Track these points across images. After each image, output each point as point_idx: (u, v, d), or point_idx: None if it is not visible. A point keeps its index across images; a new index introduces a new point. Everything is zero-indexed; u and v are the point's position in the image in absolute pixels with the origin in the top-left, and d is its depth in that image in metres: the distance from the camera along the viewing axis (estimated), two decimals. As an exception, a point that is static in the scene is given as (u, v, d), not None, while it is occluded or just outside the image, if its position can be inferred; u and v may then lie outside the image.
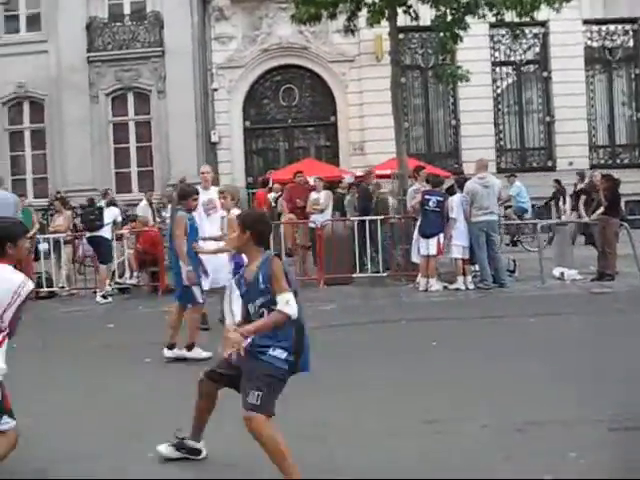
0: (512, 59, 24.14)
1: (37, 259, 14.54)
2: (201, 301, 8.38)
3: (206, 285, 9.87)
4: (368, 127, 22.97)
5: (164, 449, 5.07)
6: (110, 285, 14.01)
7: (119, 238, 14.60)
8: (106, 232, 13.76)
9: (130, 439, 5.47)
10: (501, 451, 4.92)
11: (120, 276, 14.58)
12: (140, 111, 24.55)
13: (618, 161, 24.18)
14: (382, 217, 13.93)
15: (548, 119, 24.00)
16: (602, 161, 23.88)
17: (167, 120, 23.72)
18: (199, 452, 5.07)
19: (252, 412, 4.31)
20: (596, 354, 7.52)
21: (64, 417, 6.12)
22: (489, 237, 12.60)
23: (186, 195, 8.38)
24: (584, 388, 6.25)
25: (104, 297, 13.19)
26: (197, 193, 8.60)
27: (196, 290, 8.24)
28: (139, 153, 24.44)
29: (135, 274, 14.40)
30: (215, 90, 24.01)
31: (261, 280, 4.49)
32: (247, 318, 4.62)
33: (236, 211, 8.24)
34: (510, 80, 24.48)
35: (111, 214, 14.21)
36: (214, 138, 23.87)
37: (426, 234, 12.56)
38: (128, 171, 24.41)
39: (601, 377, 6.58)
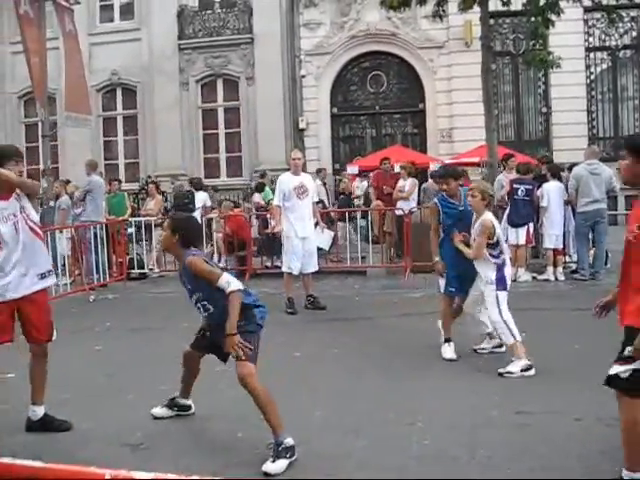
0: (607, 44, 23.34)
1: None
2: (442, 291, 7.54)
3: (295, 270, 10.07)
4: (456, 114, 22.68)
5: (157, 411, 5.68)
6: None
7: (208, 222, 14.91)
8: (196, 216, 13.99)
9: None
10: (596, 444, 4.81)
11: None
12: (229, 97, 24.92)
13: None
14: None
15: (645, 106, 23.22)
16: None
17: (255, 106, 24.00)
18: (189, 408, 5.72)
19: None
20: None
21: (160, 394, 6.27)
22: (597, 223, 12.17)
23: (446, 175, 7.45)
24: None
25: (193, 280, 13.42)
26: (461, 176, 7.59)
27: (440, 281, 7.55)
28: (228, 139, 24.82)
29: (223, 258, 14.65)
30: (303, 77, 24.12)
31: (187, 282, 5.03)
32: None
33: (488, 214, 6.90)
34: (605, 66, 23.66)
35: (200, 199, 14.45)
36: (302, 124, 24.00)
37: (515, 223, 12.34)
38: (217, 156, 24.83)
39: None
